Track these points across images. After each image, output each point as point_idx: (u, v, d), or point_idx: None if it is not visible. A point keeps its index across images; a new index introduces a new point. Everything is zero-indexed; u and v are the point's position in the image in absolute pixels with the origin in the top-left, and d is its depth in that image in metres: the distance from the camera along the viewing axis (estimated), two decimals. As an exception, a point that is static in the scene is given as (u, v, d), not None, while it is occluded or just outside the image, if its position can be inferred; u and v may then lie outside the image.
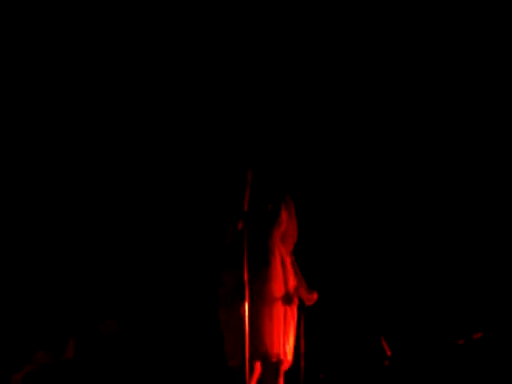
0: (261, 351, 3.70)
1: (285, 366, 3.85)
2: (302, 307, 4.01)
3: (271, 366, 3.78)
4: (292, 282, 3.94)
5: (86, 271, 5.82)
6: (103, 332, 5.59)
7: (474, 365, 4.76)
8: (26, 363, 5.35)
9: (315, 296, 4.02)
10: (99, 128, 5.82)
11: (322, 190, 5.58)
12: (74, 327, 5.60)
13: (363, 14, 5.50)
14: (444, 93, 5.66)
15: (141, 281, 5.82)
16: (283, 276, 3.89)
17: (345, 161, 5.77)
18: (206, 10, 5.50)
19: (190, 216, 5.72)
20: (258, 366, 3.75)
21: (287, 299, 3.83)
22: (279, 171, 4.20)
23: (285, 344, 3.79)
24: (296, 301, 3.95)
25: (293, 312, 3.90)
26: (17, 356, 5.37)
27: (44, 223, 5.82)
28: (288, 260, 4.02)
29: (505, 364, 4.68)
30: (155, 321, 5.74)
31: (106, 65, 5.68)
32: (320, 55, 5.63)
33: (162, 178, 5.86)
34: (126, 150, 5.86)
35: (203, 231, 5.35)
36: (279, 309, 3.80)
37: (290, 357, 3.83)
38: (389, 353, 4.78)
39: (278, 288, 3.83)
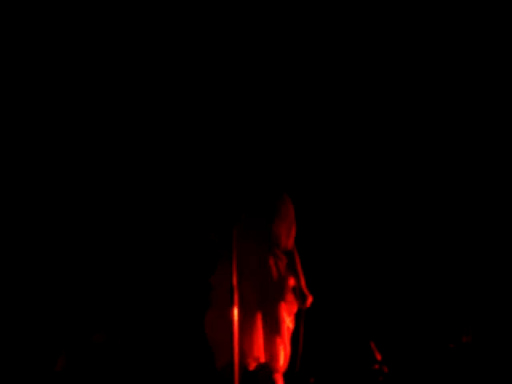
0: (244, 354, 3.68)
1: (277, 372, 3.80)
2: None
3: (263, 369, 3.75)
4: (281, 287, 3.89)
5: (76, 283, 5.82)
6: (94, 343, 5.59)
7: (464, 368, 4.78)
8: (20, 375, 5.34)
9: (309, 301, 3.95)
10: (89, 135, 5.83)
11: (311, 196, 5.59)
12: (64, 340, 5.60)
13: (362, 14, 5.53)
14: (442, 93, 5.70)
15: (130, 291, 5.82)
16: (268, 279, 3.86)
17: (337, 164, 5.79)
18: (198, 10, 5.51)
19: (178, 224, 5.73)
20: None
21: (265, 302, 3.79)
22: (275, 170, 4.12)
23: (267, 349, 3.73)
24: (294, 306, 3.91)
25: (281, 316, 3.81)
26: (10, 368, 5.36)
27: (37, 237, 5.82)
28: (282, 262, 3.95)
29: (495, 367, 4.69)
30: (145, 331, 5.74)
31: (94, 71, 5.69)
32: (315, 52, 5.62)
33: (147, 192, 5.86)
34: (112, 159, 5.87)
35: (191, 239, 5.36)
36: (257, 313, 3.75)
37: (280, 363, 3.75)
38: (378, 357, 4.80)
39: (258, 291, 3.80)
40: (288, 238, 3.97)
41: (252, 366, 3.73)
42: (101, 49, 5.60)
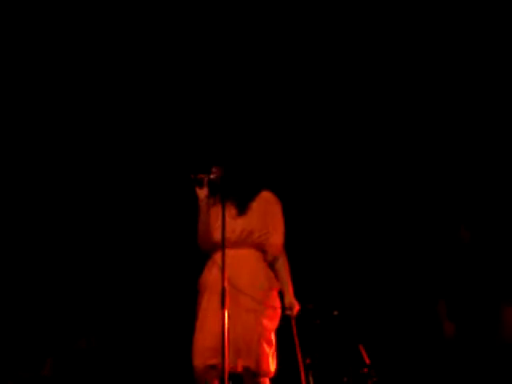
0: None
1: (263, 376, 3.70)
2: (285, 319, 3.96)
3: (247, 372, 3.69)
4: (262, 298, 3.75)
5: (63, 289, 5.82)
6: (80, 349, 5.59)
7: (452, 372, 4.79)
8: (7, 380, 5.33)
9: (295, 310, 3.88)
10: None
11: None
12: (51, 345, 5.59)
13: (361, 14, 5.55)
14: (429, 94, 5.74)
15: (116, 297, 5.82)
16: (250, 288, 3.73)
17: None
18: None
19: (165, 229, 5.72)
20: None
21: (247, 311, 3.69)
22: (263, 170, 4.05)
23: (248, 354, 3.64)
24: (277, 312, 3.82)
25: (262, 322, 3.71)
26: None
27: (25, 244, 5.81)
28: (268, 269, 3.85)
29: (483, 372, 4.70)
30: (132, 338, 5.74)
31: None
32: (302, 52, 5.65)
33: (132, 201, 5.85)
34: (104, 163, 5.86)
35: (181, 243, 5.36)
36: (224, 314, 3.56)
37: (263, 368, 3.67)
38: (367, 361, 4.81)
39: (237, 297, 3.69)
40: (276, 242, 3.88)
41: (238, 368, 3.69)
42: (97, 48, 5.61)
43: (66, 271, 5.83)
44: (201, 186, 3.78)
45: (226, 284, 3.47)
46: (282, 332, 3.92)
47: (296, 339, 3.95)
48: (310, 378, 4.56)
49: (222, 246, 3.57)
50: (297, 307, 3.91)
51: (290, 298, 3.90)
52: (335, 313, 4.99)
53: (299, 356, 3.98)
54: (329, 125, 5.82)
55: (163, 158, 5.74)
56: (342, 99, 5.77)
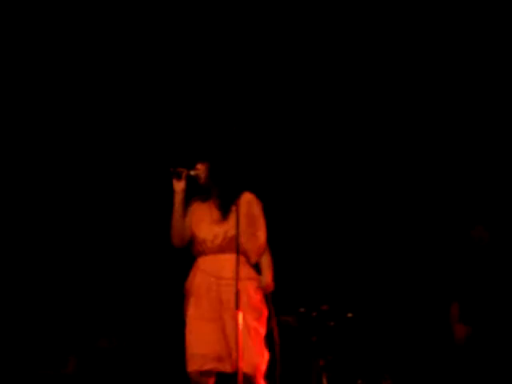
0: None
1: (255, 377, 3.70)
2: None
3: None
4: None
5: (82, 288, 5.88)
6: (102, 348, 5.65)
7: (464, 376, 4.78)
8: (28, 378, 5.40)
9: (267, 284, 3.86)
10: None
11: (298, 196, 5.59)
12: (74, 343, 5.65)
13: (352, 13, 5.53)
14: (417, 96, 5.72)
15: (137, 296, 5.86)
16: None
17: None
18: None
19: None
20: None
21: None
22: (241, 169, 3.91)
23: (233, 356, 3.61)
24: (263, 315, 3.83)
25: (249, 325, 3.72)
26: (20, 372, 5.43)
27: (43, 239, 5.87)
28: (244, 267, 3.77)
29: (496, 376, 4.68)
30: (152, 337, 5.78)
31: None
32: (291, 51, 5.62)
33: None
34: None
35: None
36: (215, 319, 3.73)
37: (254, 367, 3.67)
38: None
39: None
40: (259, 243, 3.87)
41: (228, 369, 3.70)
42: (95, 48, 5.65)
43: (89, 271, 5.88)
44: (179, 179, 3.77)
45: (238, 286, 3.51)
46: (282, 333, 3.95)
47: (273, 319, 3.96)
48: (324, 381, 4.59)
49: (237, 250, 3.59)
50: (270, 284, 3.88)
51: (265, 277, 3.88)
52: (349, 315, 5.00)
53: (276, 333, 3.96)
54: (340, 122, 5.82)
55: (161, 159, 5.74)
56: (335, 97, 5.74)
